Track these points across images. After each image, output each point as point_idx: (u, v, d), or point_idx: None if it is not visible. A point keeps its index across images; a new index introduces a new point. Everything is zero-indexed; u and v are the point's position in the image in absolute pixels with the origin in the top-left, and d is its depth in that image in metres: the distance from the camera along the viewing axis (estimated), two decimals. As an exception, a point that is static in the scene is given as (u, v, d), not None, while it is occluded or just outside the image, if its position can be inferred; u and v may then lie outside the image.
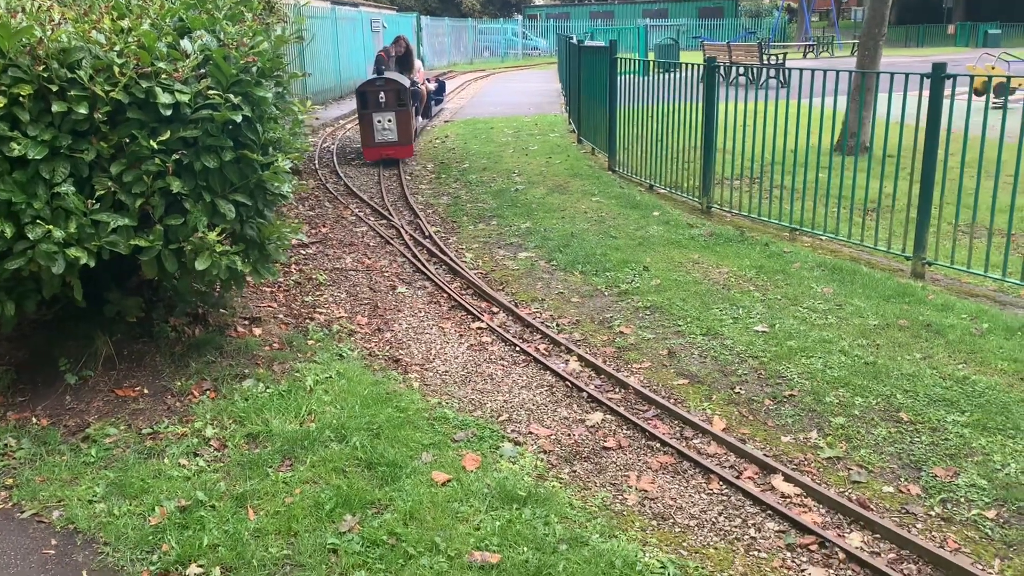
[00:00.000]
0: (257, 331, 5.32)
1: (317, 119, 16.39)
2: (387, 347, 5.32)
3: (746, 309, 5.72)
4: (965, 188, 6.54)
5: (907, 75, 6.69)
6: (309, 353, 5.07)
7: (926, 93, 6.19)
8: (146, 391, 4.55)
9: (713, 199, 8.50)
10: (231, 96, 4.26)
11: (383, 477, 3.70)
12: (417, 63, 14.17)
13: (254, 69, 4.47)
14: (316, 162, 11.81)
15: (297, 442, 4.00)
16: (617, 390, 4.71)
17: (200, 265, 4.26)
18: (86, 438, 4.10)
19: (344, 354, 5.10)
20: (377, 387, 4.61)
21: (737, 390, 4.64)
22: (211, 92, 4.23)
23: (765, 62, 19.02)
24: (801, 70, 7.43)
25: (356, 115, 12.76)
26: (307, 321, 5.67)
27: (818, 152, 8.45)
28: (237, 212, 4.48)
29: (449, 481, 3.69)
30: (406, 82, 11.62)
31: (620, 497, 3.67)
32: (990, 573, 3.16)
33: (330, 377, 4.71)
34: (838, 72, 7.08)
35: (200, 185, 4.36)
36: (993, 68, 16.93)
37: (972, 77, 12.21)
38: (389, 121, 11.07)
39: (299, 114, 5.00)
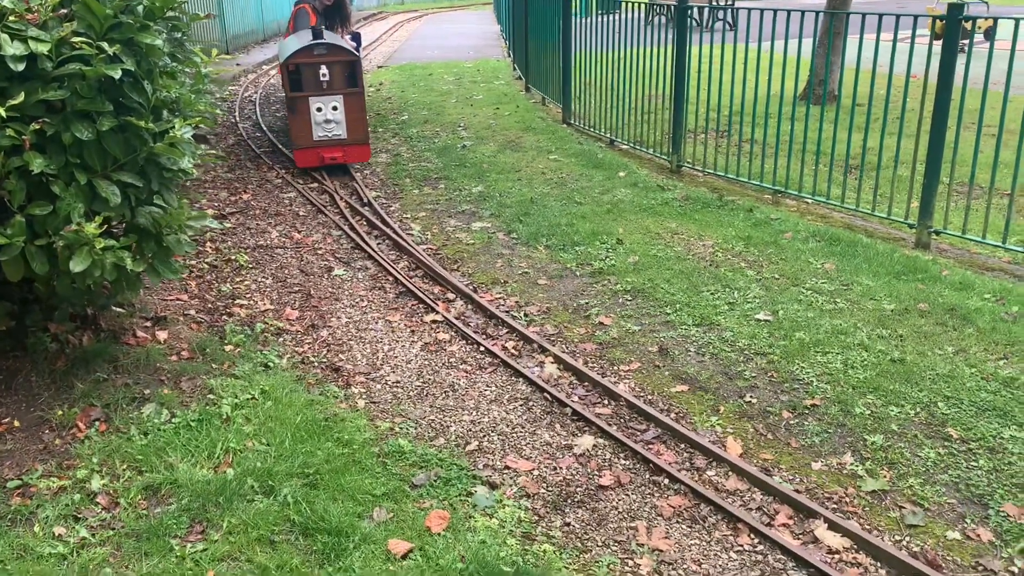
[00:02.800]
0: (162, 335, 4.34)
1: (238, 65, 15.03)
2: (323, 350, 4.41)
3: (741, 292, 4.95)
4: (971, 149, 5.85)
5: (881, 16, 5.89)
6: (226, 363, 4.13)
7: (887, 36, 5.43)
8: (16, 424, 3.58)
9: (684, 157, 7.69)
10: (106, 45, 3.24)
11: (324, 550, 2.84)
12: (352, 11, 10.55)
13: (139, 8, 3.44)
14: (236, 114, 10.61)
15: (210, 497, 3.10)
16: (606, 402, 3.91)
17: (77, 266, 3.28)
18: (-71, 499, 3.13)
19: (271, 363, 4.18)
20: (312, 410, 3.71)
21: (748, 398, 3.89)
22: (79, 40, 3.20)
23: (715, 2, 18.11)
24: (762, 11, 6.58)
25: (278, 65, 9.96)
26: (224, 318, 4.71)
27: (780, 101, 7.71)
28: (124, 196, 3.49)
29: (411, 552, 2.85)
30: (354, 50, 7.71)
31: (631, 563, 2.89)
32: (1106, 658, 2.49)
33: (253, 398, 3.79)
34: (803, 13, 6.25)
35: (72, 162, 3.35)
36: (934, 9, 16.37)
37: (933, 20, 11.63)
38: (334, 109, 7.32)
39: (202, 66, 3.97)
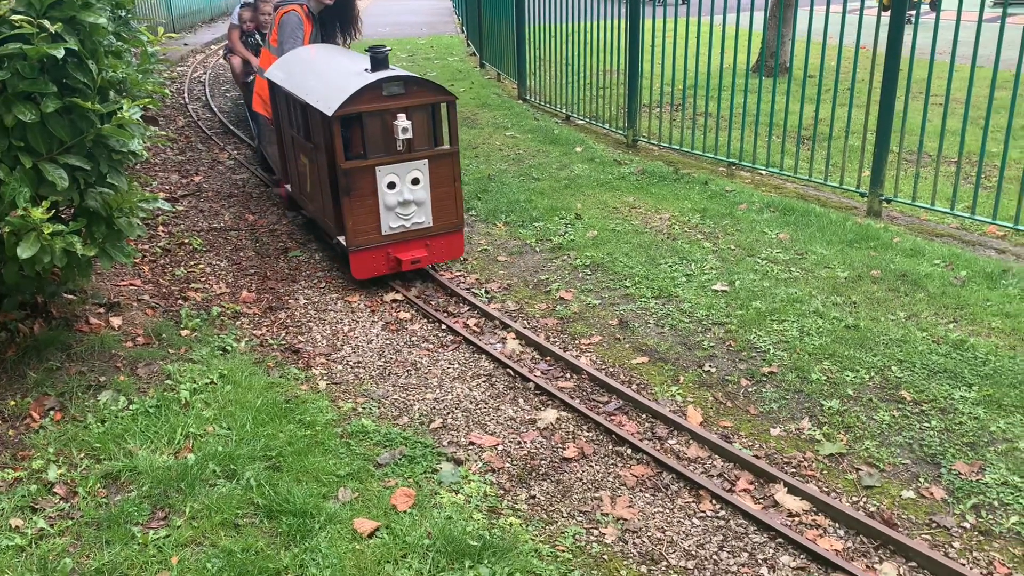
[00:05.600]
0: (116, 321, 4.26)
1: (186, 45, 14.70)
2: (282, 332, 4.36)
3: (698, 263, 5.00)
4: (920, 118, 5.96)
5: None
6: (183, 348, 4.06)
7: (836, 7, 5.51)
8: (-33, 416, 3.49)
9: (639, 131, 7.72)
10: (48, 23, 3.14)
11: (290, 532, 2.82)
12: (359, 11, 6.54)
13: (80, -15, 3.33)
14: (186, 95, 10.38)
15: (172, 482, 3.06)
16: (568, 375, 3.94)
17: (25, 252, 3.19)
18: None
19: (229, 347, 4.12)
20: (273, 392, 3.68)
21: (707, 368, 3.94)
22: (19, 18, 3.10)
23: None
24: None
25: (226, 46, 8.11)
26: (180, 302, 4.63)
27: (733, 74, 7.79)
28: (72, 179, 3.40)
29: (377, 531, 2.85)
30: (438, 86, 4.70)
31: (596, 532, 2.92)
32: (1053, 606, 2.58)
33: (212, 382, 3.74)
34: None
35: (16, 146, 3.25)
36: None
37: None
38: (414, 184, 4.64)
39: (149, 45, 3.87)
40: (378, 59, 4.54)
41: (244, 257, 5.36)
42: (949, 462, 3.22)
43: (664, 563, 2.78)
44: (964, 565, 2.73)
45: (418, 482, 3.13)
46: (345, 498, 3.02)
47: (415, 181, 4.61)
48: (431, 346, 4.22)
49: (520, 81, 9.80)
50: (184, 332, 4.25)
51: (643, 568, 2.75)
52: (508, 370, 3.95)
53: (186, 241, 5.56)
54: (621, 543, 2.87)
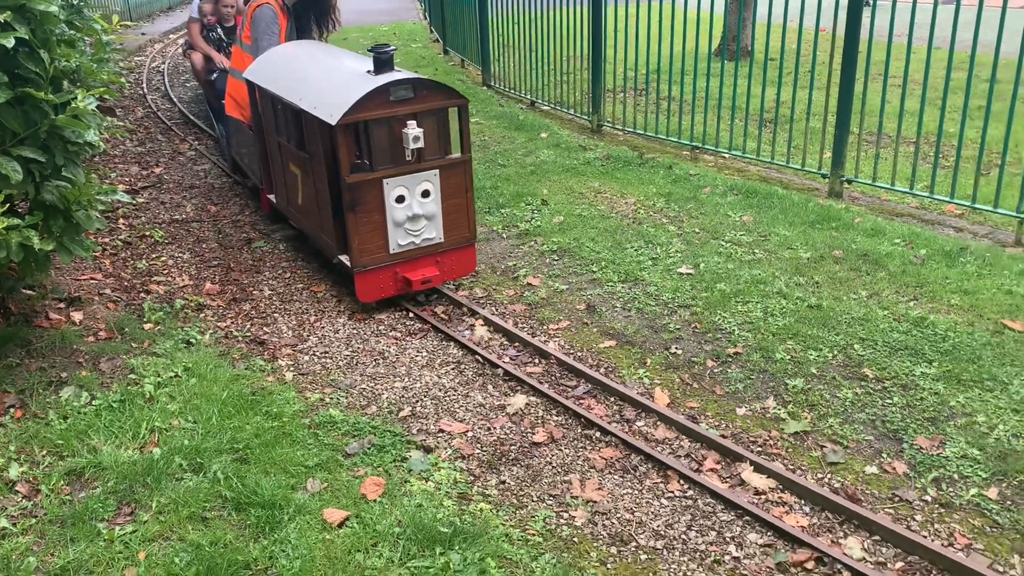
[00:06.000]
0: (77, 316, 4.19)
1: (143, 34, 14.44)
2: (247, 324, 4.32)
3: (664, 247, 5.03)
4: (879, 99, 6.03)
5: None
6: (147, 342, 4.01)
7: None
8: (-76, 415, 3.42)
9: (604, 116, 7.73)
10: (-4, 12, 3.06)
11: (259, 524, 2.80)
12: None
13: (29, -27, 3.25)
14: (144, 85, 10.20)
15: (137, 478, 3.03)
16: (537, 361, 3.95)
17: (-21, 247, 3.13)
18: None
19: (193, 340, 4.07)
20: (239, 385, 3.64)
21: (673, 350, 3.97)
22: (-35, 7, 3.02)
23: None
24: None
25: (186, 41, 7.76)
26: (142, 296, 4.57)
27: (696, 58, 7.83)
28: (27, 172, 3.33)
29: (347, 520, 2.84)
30: (450, 90, 4.27)
31: (566, 515, 2.93)
32: (1013, 572, 2.65)
33: (176, 376, 3.70)
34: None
35: (-34, 138, 3.18)
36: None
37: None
38: (425, 196, 4.27)
39: (103, 34, 3.80)
40: (382, 60, 4.10)
41: (207, 249, 5.29)
42: (911, 437, 3.28)
43: (633, 544, 2.80)
44: (926, 537, 2.78)
45: (388, 471, 3.13)
46: (314, 489, 3.00)
47: (425, 193, 4.23)
48: (399, 335, 4.21)
49: (484, 67, 9.76)
50: (147, 326, 4.19)
51: (613, 549, 2.77)
52: (477, 357, 3.95)
53: (147, 234, 5.47)
54: (591, 525, 2.89)
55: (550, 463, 3.22)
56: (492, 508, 2.95)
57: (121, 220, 5.72)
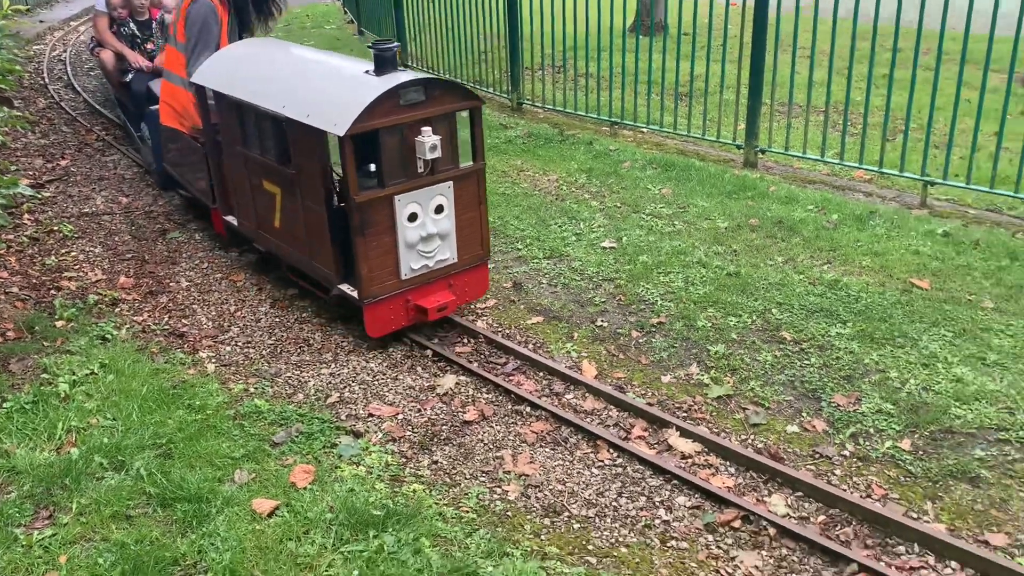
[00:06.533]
0: (-18, 317, 4.01)
1: (41, 22, 13.81)
2: (165, 317, 4.20)
3: (587, 222, 5.08)
4: (789, 70, 6.18)
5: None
6: (59, 340, 3.87)
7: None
8: None
9: (524, 94, 7.73)
10: None
11: (186, 519, 2.74)
12: None
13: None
14: (45, 75, 9.77)
15: (55, 479, 2.92)
16: (465, 340, 3.94)
17: None
18: None
19: (109, 335, 3.94)
20: (159, 379, 3.55)
21: (599, 323, 4.02)
22: None
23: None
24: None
25: (93, 37, 7.13)
26: (52, 292, 4.40)
27: (611, 34, 7.86)
28: (-84, 166, 3.16)
29: (277, 509, 2.80)
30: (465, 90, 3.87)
31: (499, 491, 2.95)
32: (925, 519, 2.77)
33: (92, 373, 3.58)
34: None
35: None
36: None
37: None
38: (438, 212, 3.79)
39: (-7, 19, 3.62)
40: (384, 58, 3.58)
41: (120, 241, 5.11)
42: (828, 396, 3.40)
43: (566, 514, 2.84)
44: (845, 490, 2.89)
45: (317, 458, 3.09)
46: (242, 480, 2.95)
47: (439, 209, 3.74)
48: (323, 320, 4.15)
49: (400, 48, 9.63)
50: (59, 323, 4.04)
51: (546, 520, 2.80)
52: (404, 340, 3.93)
53: (56, 228, 5.26)
54: (524, 498, 2.91)
55: (482, 440, 3.23)
56: (425, 488, 2.95)
57: (26, 215, 5.48)
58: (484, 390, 3.55)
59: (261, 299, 4.37)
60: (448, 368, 3.71)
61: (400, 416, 3.38)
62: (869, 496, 2.89)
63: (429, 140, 3.55)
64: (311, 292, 4.38)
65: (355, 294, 3.70)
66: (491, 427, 3.31)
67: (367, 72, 3.64)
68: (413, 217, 3.67)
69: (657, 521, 2.81)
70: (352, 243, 3.58)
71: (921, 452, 3.07)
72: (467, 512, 2.83)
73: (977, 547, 2.62)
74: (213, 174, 4.60)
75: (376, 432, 3.27)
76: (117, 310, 4.24)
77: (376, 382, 3.62)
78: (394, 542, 2.63)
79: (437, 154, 3.60)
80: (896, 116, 6.52)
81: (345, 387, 3.59)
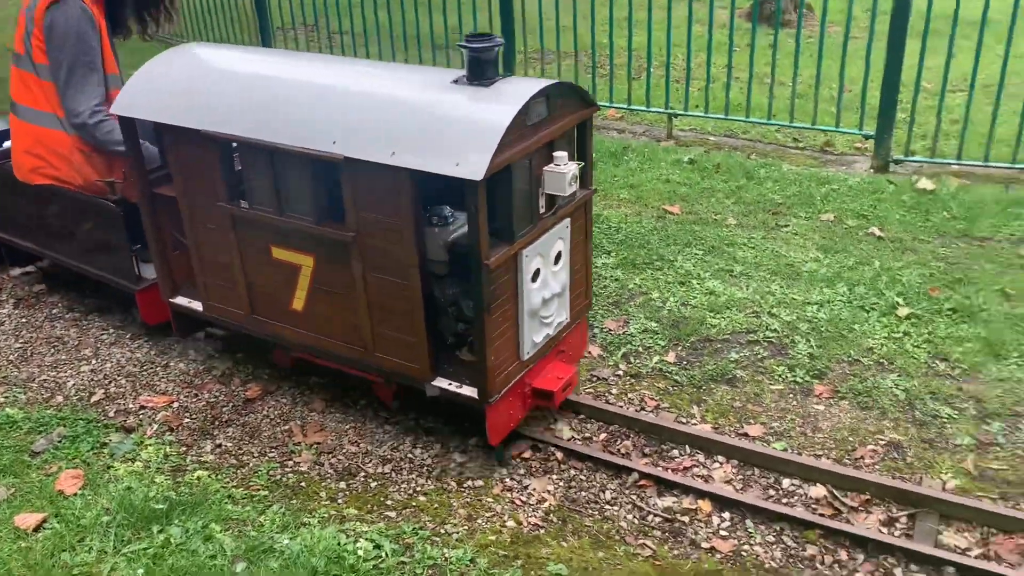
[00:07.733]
0: None
1: None
2: None
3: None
4: (536, 16, 6.36)
5: None
6: None
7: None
8: None
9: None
10: None
11: (-66, 551, 2.46)
12: None
13: None
14: None
15: None
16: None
17: None
18: None
19: None
20: None
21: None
22: None
23: None
24: None
25: None
26: None
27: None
28: None
29: (45, 522, 2.57)
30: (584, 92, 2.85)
31: (291, 463, 2.88)
32: (693, 422, 3.03)
33: None
34: None
35: None
36: None
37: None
38: (557, 263, 2.81)
39: None
40: (483, 60, 2.53)
41: None
42: (600, 322, 3.59)
43: (362, 474, 2.82)
44: (622, 407, 3.09)
45: (86, 460, 2.87)
46: (1, 497, 2.68)
47: (557, 258, 2.83)
48: (78, 314, 3.82)
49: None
50: None
51: (342, 484, 2.78)
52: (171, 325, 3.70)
53: None
54: (317, 467, 2.86)
55: (267, 417, 3.13)
56: (210, 474, 2.82)
57: None
58: (263, 365, 3.43)
59: (2, 300, 3.95)
60: (224, 348, 3.55)
61: (176, 404, 3.20)
62: (643, 409, 3.10)
63: (569, 170, 2.63)
64: (61, 287, 4.02)
65: (471, 393, 2.69)
66: (276, 401, 3.21)
67: (455, 82, 2.58)
68: (536, 275, 2.72)
69: (452, 464, 2.86)
70: (475, 325, 2.56)
71: (684, 362, 3.34)
72: (258, 490, 2.74)
73: (738, 440, 2.90)
74: (152, 243, 3.27)
75: (150, 424, 3.08)
76: None
77: (144, 372, 3.40)
78: (181, 533, 2.50)
79: (576, 187, 2.73)
80: (639, 56, 6.91)
81: (110, 382, 3.33)
